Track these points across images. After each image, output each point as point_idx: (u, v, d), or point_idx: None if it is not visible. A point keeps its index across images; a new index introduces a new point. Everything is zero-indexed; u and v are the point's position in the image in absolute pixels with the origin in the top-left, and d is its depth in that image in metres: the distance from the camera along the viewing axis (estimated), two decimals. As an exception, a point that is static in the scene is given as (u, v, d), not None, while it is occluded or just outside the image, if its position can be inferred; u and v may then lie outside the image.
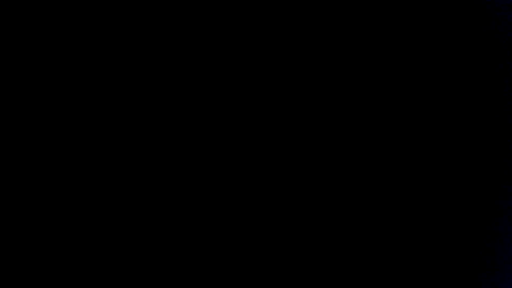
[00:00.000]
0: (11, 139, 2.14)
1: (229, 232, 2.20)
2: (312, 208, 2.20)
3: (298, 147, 2.19)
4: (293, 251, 2.20)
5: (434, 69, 2.20)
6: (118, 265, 2.16)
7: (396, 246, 2.18)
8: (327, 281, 2.19)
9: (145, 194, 2.18)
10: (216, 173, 2.19)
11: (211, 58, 2.19)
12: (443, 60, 2.20)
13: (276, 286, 2.19)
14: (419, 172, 2.19)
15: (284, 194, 2.19)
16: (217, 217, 2.19)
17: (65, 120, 2.17)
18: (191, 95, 2.20)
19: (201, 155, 2.19)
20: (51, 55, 2.17)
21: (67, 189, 2.16)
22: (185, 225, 2.19)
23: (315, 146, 2.19)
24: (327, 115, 2.20)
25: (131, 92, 2.19)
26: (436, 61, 2.20)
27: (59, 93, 2.17)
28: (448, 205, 2.19)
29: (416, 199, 2.19)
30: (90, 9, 2.17)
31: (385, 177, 2.18)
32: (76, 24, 2.17)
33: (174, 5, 2.19)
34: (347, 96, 2.20)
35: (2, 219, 2.13)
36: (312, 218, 2.20)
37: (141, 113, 2.18)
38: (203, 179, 2.19)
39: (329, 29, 2.19)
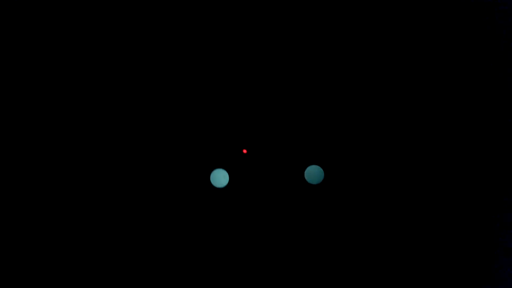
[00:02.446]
0: (11, 139, 2.15)
1: (229, 232, 2.20)
2: (311, 208, 2.19)
3: (298, 146, 2.19)
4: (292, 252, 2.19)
5: (436, 68, 2.19)
6: (118, 265, 2.16)
7: (399, 245, 2.18)
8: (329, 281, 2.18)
9: (144, 194, 2.18)
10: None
11: (211, 58, 2.20)
12: (445, 59, 2.20)
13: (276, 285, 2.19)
14: (421, 172, 2.18)
15: (283, 193, 2.19)
16: (216, 216, 2.19)
17: (65, 120, 2.18)
18: (191, 95, 2.20)
19: (199, 155, 2.20)
20: (51, 55, 2.18)
21: (67, 189, 2.17)
22: (185, 226, 2.19)
23: (315, 145, 2.19)
24: (327, 116, 2.20)
25: (131, 92, 2.19)
26: (438, 60, 2.20)
27: (59, 93, 2.18)
28: (450, 204, 2.18)
29: (417, 199, 2.19)
30: (90, 9, 2.18)
31: (388, 177, 2.18)
32: (76, 24, 2.18)
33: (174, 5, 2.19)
34: (347, 96, 2.20)
35: (2, 219, 2.13)
36: (311, 218, 2.19)
37: (141, 113, 2.19)
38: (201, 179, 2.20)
39: (329, 29, 2.19)
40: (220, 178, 2.08)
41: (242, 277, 2.18)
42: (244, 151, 2.03)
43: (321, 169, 2.04)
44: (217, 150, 2.13)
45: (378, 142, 2.19)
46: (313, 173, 2.09)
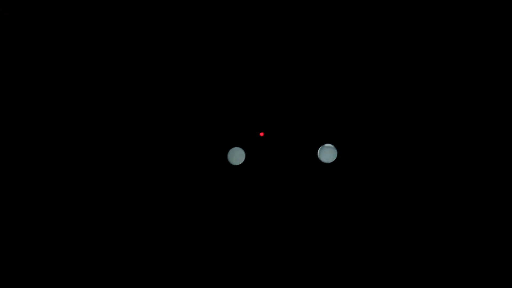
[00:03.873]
0: (11, 139, 2.16)
1: (229, 232, 2.20)
2: (314, 209, 2.20)
3: (298, 146, 2.19)
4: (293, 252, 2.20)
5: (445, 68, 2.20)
6: (118, 265, 2.17)
7: (402, 246, 2.18)
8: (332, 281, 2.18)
9: (144, 194, 2.18)
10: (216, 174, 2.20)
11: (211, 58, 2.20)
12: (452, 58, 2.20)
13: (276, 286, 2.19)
14: (434, 156, 2.19)
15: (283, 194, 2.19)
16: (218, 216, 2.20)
17: (65, 120, 2.18)
18: (191, 95, 2.21)
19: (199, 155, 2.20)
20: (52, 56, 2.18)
21: (67, 189, 2.17)
22: (185, 226, 2.19)
23: (316, 145, 2.19)
24: (328, 116, 2.20)
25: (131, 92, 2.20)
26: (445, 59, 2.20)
27: (60, 93, 2.19)
28: (456, 205, 2.19)
29: (423, 200, 2.19)
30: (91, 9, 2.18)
31: (393, 177, 2.19)
32: (77, 24, 2.18)
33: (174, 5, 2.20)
34: (350, 97, 2.20)
35: (2, 219, 2.14)
36: (314, 218, 2.20)
37: (141, 114, 2.19)
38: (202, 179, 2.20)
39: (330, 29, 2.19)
40: (236, 156, 2.13)
41: (256, 251, 2.19)
42: (261, 134, 2.10)
43: (335, 148, 2.09)
44: (235, 130, 2.18)
45: (393, 126, 2.20)
46: (327, 152, 2.13)
